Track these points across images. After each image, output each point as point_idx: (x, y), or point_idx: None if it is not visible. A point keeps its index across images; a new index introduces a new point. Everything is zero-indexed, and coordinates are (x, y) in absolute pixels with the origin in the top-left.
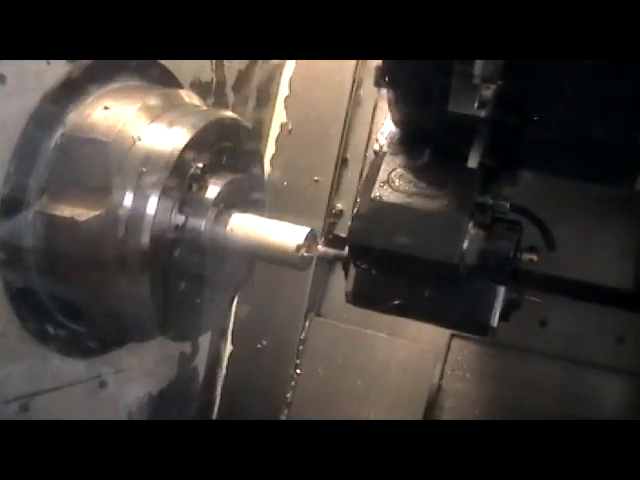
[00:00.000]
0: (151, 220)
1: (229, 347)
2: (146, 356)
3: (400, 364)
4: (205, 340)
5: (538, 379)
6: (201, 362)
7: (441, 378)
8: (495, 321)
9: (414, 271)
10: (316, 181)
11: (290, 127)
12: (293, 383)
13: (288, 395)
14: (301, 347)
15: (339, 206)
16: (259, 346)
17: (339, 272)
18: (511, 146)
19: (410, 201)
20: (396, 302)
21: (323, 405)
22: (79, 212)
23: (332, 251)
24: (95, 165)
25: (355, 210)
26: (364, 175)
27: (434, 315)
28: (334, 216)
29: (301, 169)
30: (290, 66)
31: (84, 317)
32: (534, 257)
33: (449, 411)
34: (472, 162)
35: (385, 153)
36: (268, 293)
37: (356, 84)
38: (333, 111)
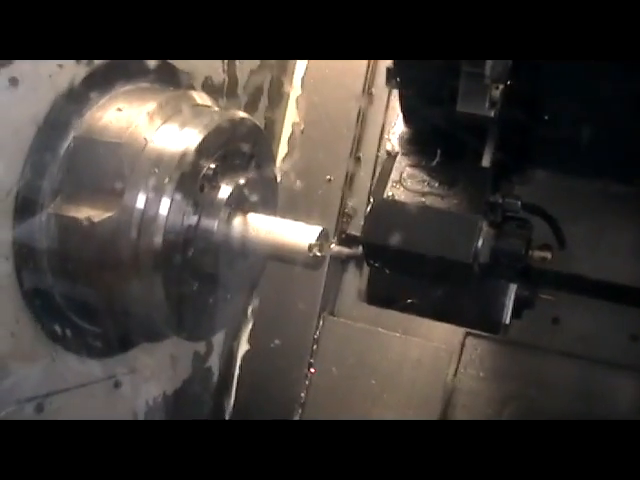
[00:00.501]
0: (164, 221)
1: (244, 347)
2: (160, 356)
3: (413, 363)
4: (218, 340)
5: (551, 377)
6: (215, 362)
7: (455, 377)
8: (507, 318)
9: (428, 270)
10: (329, 180)
11: (302, 127)
12: (307, 382)
13: (302, 394)
14: (315, 346)
15: (352, 205)
16: (272, 345)
17: (352, 272)
18: (521, 144)
19: (423, 200)
20: (410, 301)
21: (337, 404)
22: (93, 213)
23: (346, 250)
24: (108, 167)
25: (368, 209)
26: (377, 174)
27: (447, 313)
28: (347, 215)
29: (313, 168)
30: (302, 66)
31: (98, 318)
32: (547, 255)
33: (462, 409)
34: (485, 161)
35: (397, 153)
36: (282, 293)
37: (368, 83)
38: (345, 110)
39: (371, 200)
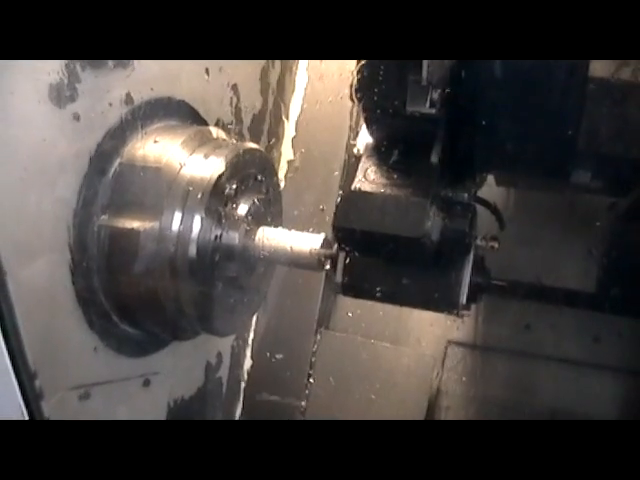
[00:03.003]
0: (198, 231)
1: (248, 361)
2: (180, 363)
3: (403, 370)
4: (227, 353)
5: (525, 379)
6: (225, 373)
7: (439, 381)
8: (464, 298)
9: (388, 249)
10: (322, 210)
11: (297, 164)
12: (307, 392)
13: (303, 403)
14: (313, 359)
15: None
16: (274, 360)
17: None
18: (466, 148)
19: (383, 191)
20: (380, 288)
21: (335, 411)
22: (138, 225)
23: (322, 251)
24: (149, 187)
25: (338, 200)
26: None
27: (412, 297)
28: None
29: (308, 200)
30: (296, 109)
31: (138, 318)
32: (495, 244)
33: (447, 411)
34: (434, 158)
35: (361, 155)
36: (283, 310)
37: (354, 122)
38: (334, 149)
39: (340, 192)
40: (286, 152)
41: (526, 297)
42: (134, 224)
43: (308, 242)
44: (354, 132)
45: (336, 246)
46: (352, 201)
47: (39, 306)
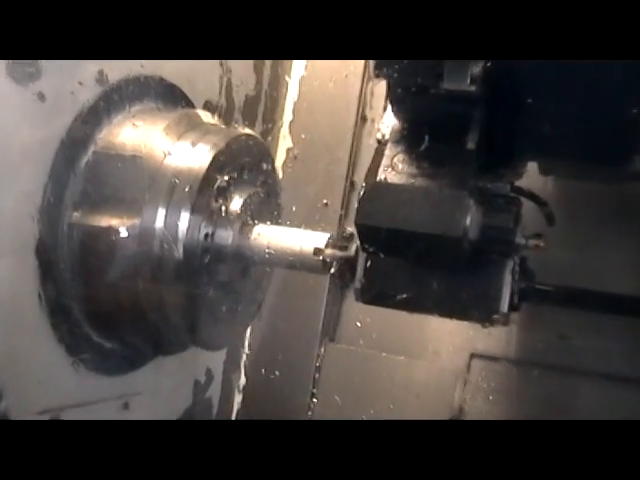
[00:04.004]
0: (185, 228)
1: (242, 379)
2: (165, 381)
3: (420, 386)
4: (218, 370)
5: (563, 397)
6: (215, 392)
7: (463, 399)
8: (505, 306)
9: (420, 249)
10: (325, 205)
11: (296, 152)
12: (310, 413)
13: None
14: (317, 375)
15: (350, 229)
16: (272, 377)
17: (352, 297)
18: (508, 131)
19: (412, 181)
20: (406, 295)
21: None
22: (116, 223)
23: (339, 253)
24: (128, 179)
25: (361, 193)
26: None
27: (444, 305)
28: (345, 240)
29: (309, 193)
30: (294, 91)
31: (117, 330)
32: (540, 243)
33: None
34: (470, 143)
35: (387, 141)
36: (281, 320)
37: (362, 105)
38: (339, 134)
39: (363, 185)
40: (284, 139)
41: (564, 303)
42: (111, 222)
43: (312, 241)
44: (361, 115)
45: (354, 247)
46: (377, 194)
47: (1, 318)
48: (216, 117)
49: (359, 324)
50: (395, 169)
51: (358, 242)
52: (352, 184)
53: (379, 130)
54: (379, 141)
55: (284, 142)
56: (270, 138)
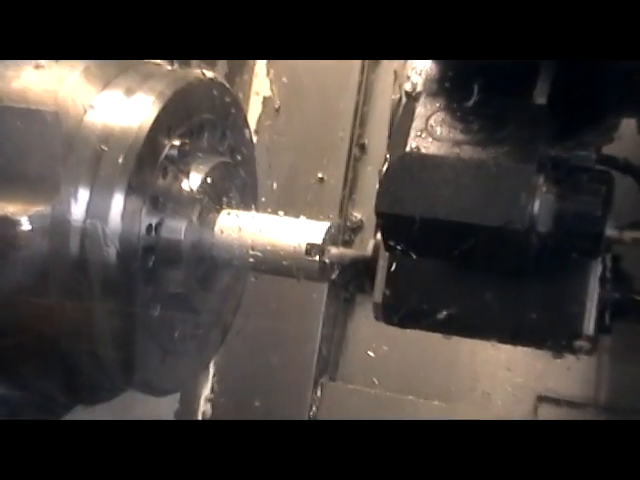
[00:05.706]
0: (118, 219)
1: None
2: None
3: None
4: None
5: None
6: None
7: None
8: (590, 327)
9: (469, 248)
10: (320, 180)
11: (278, 103)
12: None
13: None
14: None
15: (356, 215)
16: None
17: (359, 313)
18: (591, 79)
19: (457, 152)
20: (446, 312)
21: None
22: (14, 210)
23: (350, 252)
24: (31, 144)
25: (384, 169)
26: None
27: (502, 325)
28: (350, 230)
29: (297, 163)
30: None
31: (17, 370)
32: None
33: None
34: (540, 96)
35: (420, 94)
36: (258, 353)
37: None
38: (340, 75)
39: (387, 157)
40: (259, 84)
41: None
42: (8, 209)
43: (302, 234)
44: None
45: (372, 244)
46: (407, 170)
47: None
48: None
49: (372, 354)
50: (432, 134)
51: (379, 237)
52: (362, 148)
53: (408, 77)
54: (408, 94)
55: (260, 88)
56: (239, 82)
